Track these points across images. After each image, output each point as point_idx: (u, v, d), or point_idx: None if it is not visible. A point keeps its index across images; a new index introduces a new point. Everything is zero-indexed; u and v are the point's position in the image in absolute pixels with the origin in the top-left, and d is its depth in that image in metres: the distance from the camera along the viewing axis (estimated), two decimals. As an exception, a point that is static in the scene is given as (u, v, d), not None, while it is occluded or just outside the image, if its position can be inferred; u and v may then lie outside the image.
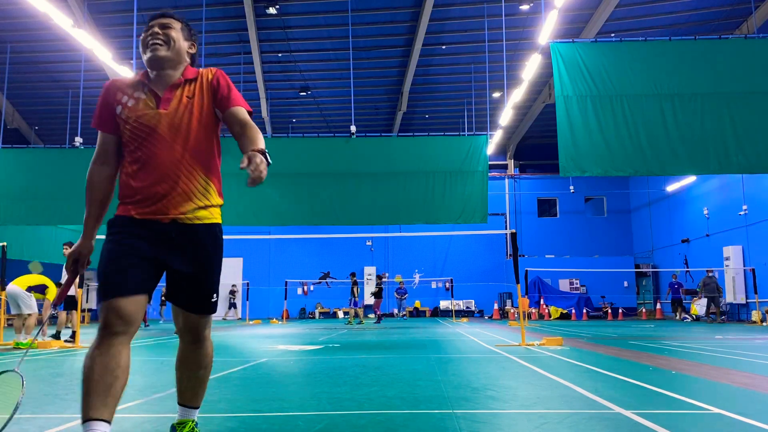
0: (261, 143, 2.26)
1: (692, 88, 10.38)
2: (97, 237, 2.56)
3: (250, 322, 22.05)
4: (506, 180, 29.96)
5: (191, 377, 2.57)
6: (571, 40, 10.80)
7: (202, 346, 2.55)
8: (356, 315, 19.54)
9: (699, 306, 21.24)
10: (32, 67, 22.21)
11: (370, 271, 28.86)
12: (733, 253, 20.77)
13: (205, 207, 2.42)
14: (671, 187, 25.55)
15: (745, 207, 20.37)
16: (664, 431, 2.88)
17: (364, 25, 19.96)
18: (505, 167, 30.04)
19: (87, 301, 24.90)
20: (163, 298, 20.75)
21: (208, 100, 2.46)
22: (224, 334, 13.28)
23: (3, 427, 2.44)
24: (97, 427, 2.02)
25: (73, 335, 9.96)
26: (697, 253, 23.76)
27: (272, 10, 18.83)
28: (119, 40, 19.41)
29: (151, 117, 2.36)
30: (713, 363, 6.12)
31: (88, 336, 11.55)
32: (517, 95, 19.07)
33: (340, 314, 28.46)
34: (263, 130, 24.97)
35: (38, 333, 3.03)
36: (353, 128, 14.79)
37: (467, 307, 28.56)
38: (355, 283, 19.70)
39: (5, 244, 9.93)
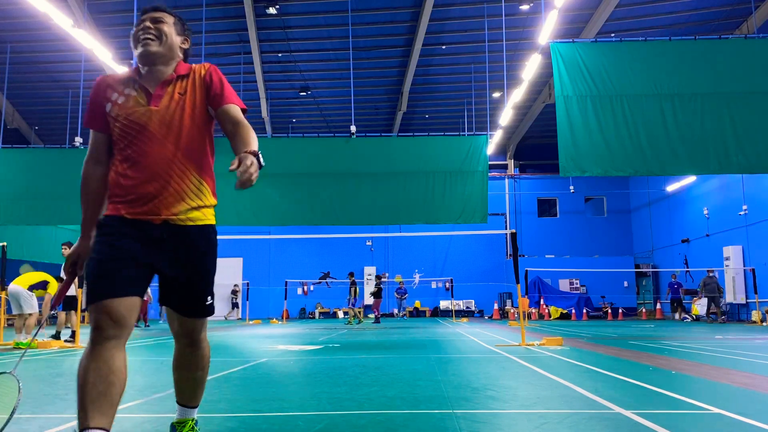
0: (254, 144, 2.20)
1: (692, 88, 10.38)
2: None
3: (250, 322, 22.05)
4: (506, 180, 29.96)
5: (189, 378, 2.54)
6: (571, 40, 10.81)
7: (199, 348, 2.50)
8: (355, 315, 19.54)
9: (700, 306, 21.25)
10: (32, 67, 22.21)
11: (370, 271, 28.86)
12: (733, 253, 20.77)
13: (198, 208, 2.34)
14: (671, 187, 25.55)
15: (745, 207, 20.37)
16: (664, 431, 2.88)
17: (364, 25, 19.96)
18: (505, 167, 30.04)
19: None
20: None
21: (201, 96, 2.38)
22: (224, 334, 13.28)
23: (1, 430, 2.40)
24: None
25: (73, 335, 9.95)
26: (697, 253, 23.76)
27: (272, 10, 18.83)
28: (119, 40, 19.41)
29: (141, 114, 2.29)
30: (713, 363, 6.12)
31: (87, 336, 11.54)
32: (517, 95, 19.07)
33: (340, 314, 28.46)
34: (263, 130, 25.06)
35: (37, 331, 3.00)
36: (353, 128, 14.79)
37: (467, 307, 28.55)
38: (353, 283, 19.68)
39: (5, 244, 9.93)
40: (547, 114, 24.74)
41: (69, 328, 11.01)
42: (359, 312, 20.51)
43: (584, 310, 24.62)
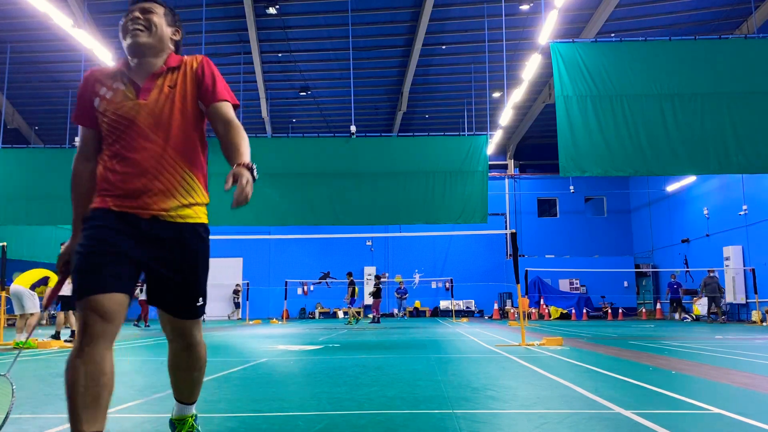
0: (246, 154, 2.15)
1: (692, 88, 10.38)
2: None
3: (250, 322, 22.06)
4: (506, 180, 29.97)
5: (186, 379, 2.48)
6: (571, 40, 10.81)
7: (194, 350, 2.42)
8: (353, 315, 19.54)
9: (701, 306, 21.25)
10: (32, 67, 22.21)
11: (370, 271, 28.86)
12: (733, 253, 20.77)
13: (189, 205, 2.26)
14: (671, 187, 25.55)
15: (745, 207, 20.37)
16: (664, 431, 2.88)
17: (364, 25, 19.96)
18: (505, 167, 30.04)
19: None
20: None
21: (192, 90, 2.30)
22: (224, 334, 13.28)
23: None
24: None
25: (73, 335, 9.95)
26: (697, 253, 23.76)
27: (272, 10, 18.83)
28: (119, 40, 19.38)
29: (129, 108, 2.21)
30: (713, 363, 6.12)
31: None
32: (517, 95, 19.08)
33: (340, 314, 28.46)
34: (263, 130, 25.07)
35: (31, 332, 2.97)
36: (353, 128, 14.79)
37: (467, 307, 28.56)
38: (351, 282, 19.67)
39: (5, 244, 9.93)
40: (547, 114, 24.74)
41: (69, 328, 11.02)
42: (357, 312, 20.49)
43: (584, 310, 24.63)
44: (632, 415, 3.26)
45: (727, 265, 21.01)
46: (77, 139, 16.69)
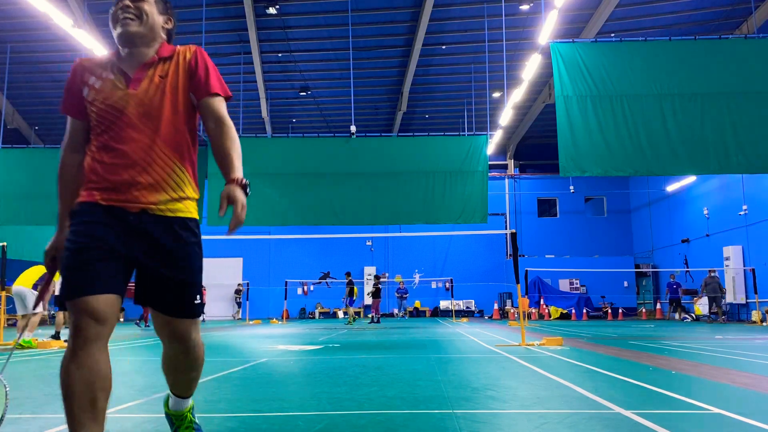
0: (239, 168, 2.13)
1: (692, 88, 10.39)
2: None
3: (250, 322, 22.06)
4: (506, 180, 29.97)
5: (184, 379, 2.42)
6: (571, 40, 10.81)
7: (193, 352, 2.31)
8: (352, 315, 19.52)
9: (702, 305, 21.25)
10: (32, 67, 22.22)
11: (370, 271, 28.87)
12: (733, 253, 20.78)
13: (180, 199, 2.18)
14: (671, 187, 25.56)
15: (745, 207, 20.38)
16: (664, 431, 2.88)
17: (364, 25, 19.96)
18: (505, 167, 30.05)
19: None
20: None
21: (184, 80, 2.23)
22: (224, 334, 13.28)
23: None
24: None
25: (74, 335, 9.93)
26: (697, 253, 23.77)
27: (272, 10, 18.83)
28: (119, 40, 19.39)
29: (119, 98, 2.14)
30: (713, 363, 6.12)
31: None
32: (517, 95, 19.08)
33: (340, 314, 28.46)
34: (263, 130, 25.07)
35: (21, 334, 2.95)
36: (353, 128, 14.80)
37: (467, 307, 28.56)
38: (349, 282, 19.65)
39: (5, 244, 9.93)
40: (547, 114, 24.74)
41: (68, 327, 11.01)
42: (356, 312, 20.48)
43: (584, 310, 24.63)
44: (632, 415, 3.26)
45: (727, 265, 21.01)
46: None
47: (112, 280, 2.03)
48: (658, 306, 25.29)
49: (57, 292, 2.15)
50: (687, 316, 21.61)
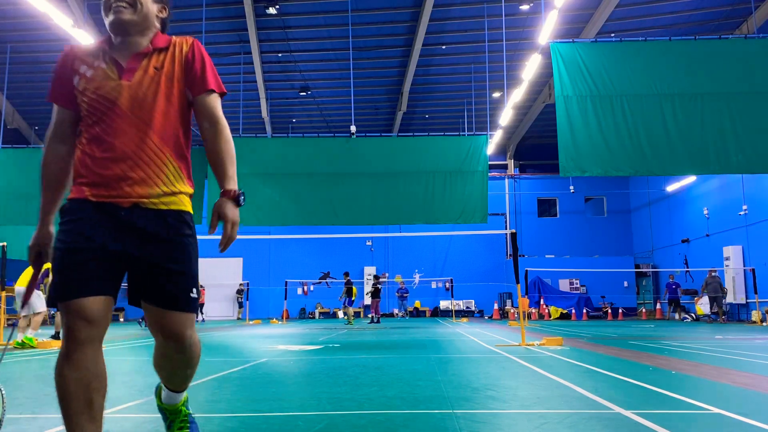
0: (233, 177, 2.11)
1: (692, 88, 10.39)
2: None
3: (250, 322, 22.06)
4: (506, 180, 29.98)
5: (179, 375, 2.35)
6: (571, 40, 10.81)
7: (189, 350, 2.22)
8: (351, 315, 19.51)
9: (703, 305, 21.26)
10: (32, 67, 22.22)
11: (370, 271, 28.87)
12: (733, 253, 20.78)
13: (174, 193, 2.12)
14: (671, 187, 25.56)
15: (745, 207, 20.38)
16: (664, 431, 2.88)
17: (364, 25, 19.97)
18: (505, 167, 30.05)
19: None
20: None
21: (180, 73, 2.17)
22: (224, 334, 13.28)
23: None
24: None
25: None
26: (697, 253, 23.77)
27: (272, 10, 18.84)
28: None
29: (111, 89, 2.07)
30: (713, 363, 6.12)
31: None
32: (517, 95, 19.08)
33: (340, 314, 28.46)
34: (263, 130, 25.07)
35: (11, 334, 2.94)
36: (353, 128, 14.80)
37: (467, 307, 28.56)
38: (348, 282, 19.63)
39: (5, 244, 9.92)
40: (547, 114, 24.75)
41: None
42: (356, 313, 20.48)
43: (584, 310, 24.63)
44: (632, 415, 3.26)
45: (727, 265, 21.01)
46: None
47: (103, 281, 1.99)
48: (658, 306, 25.29)
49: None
50: (687, 316, 21.61)
